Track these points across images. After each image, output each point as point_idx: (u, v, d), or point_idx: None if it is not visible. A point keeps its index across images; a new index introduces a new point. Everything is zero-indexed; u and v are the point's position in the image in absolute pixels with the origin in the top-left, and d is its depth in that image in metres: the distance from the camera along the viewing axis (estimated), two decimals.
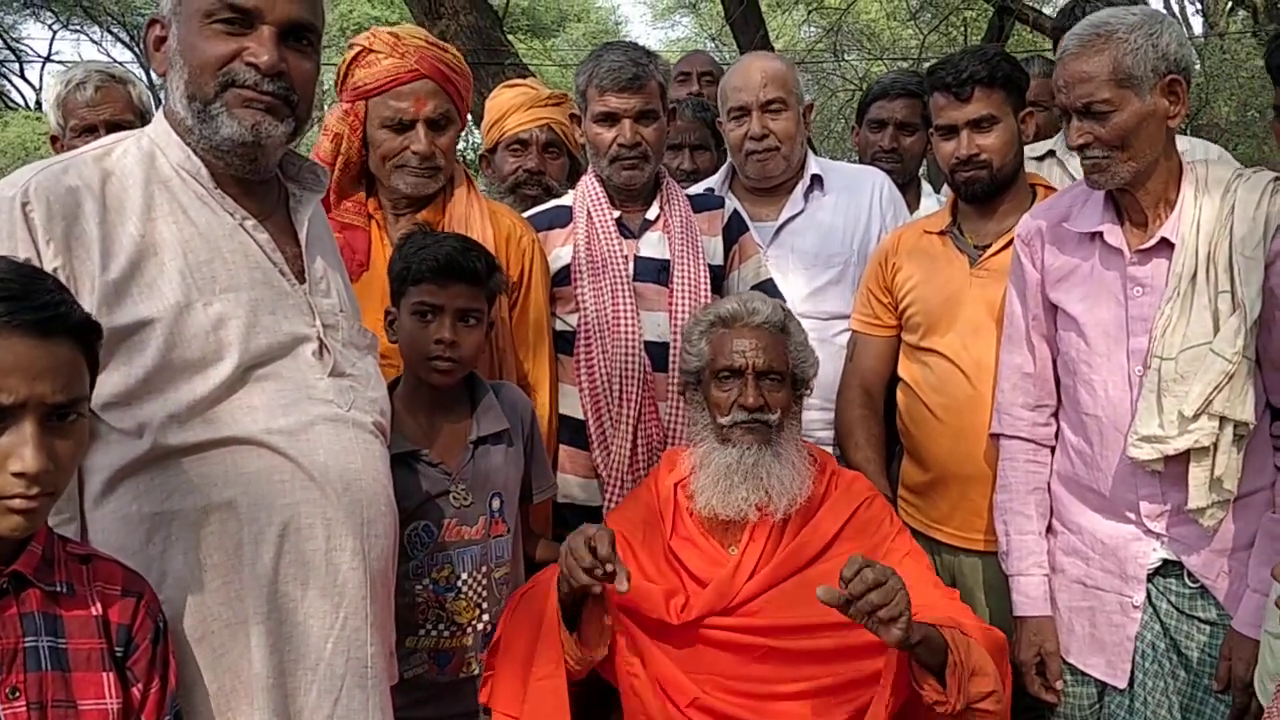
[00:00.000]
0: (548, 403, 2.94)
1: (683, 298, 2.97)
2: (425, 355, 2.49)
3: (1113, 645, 2.52)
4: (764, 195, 3.44)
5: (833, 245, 3.34)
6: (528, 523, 2.80)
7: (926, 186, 4.07)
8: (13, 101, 26.72)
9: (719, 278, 3.09)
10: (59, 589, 1.58)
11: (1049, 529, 2.67)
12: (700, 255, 3.03)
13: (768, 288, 3.11)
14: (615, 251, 2.98)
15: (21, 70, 27.27)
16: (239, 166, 1.92)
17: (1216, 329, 2.30)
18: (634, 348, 2.92)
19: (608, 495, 2.93)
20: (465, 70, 2.85)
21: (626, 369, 2.92)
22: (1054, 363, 2.65)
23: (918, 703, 2.25)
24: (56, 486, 1.51)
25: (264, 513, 1.83)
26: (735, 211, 3.20)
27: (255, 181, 1.97)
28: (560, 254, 3.02)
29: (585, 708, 2.43)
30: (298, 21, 1.90)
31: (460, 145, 3.05)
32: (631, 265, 3.00)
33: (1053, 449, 2.68)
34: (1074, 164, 3.26)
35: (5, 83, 27.27)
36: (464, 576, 2.52)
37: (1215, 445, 2.30)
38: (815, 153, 3.57)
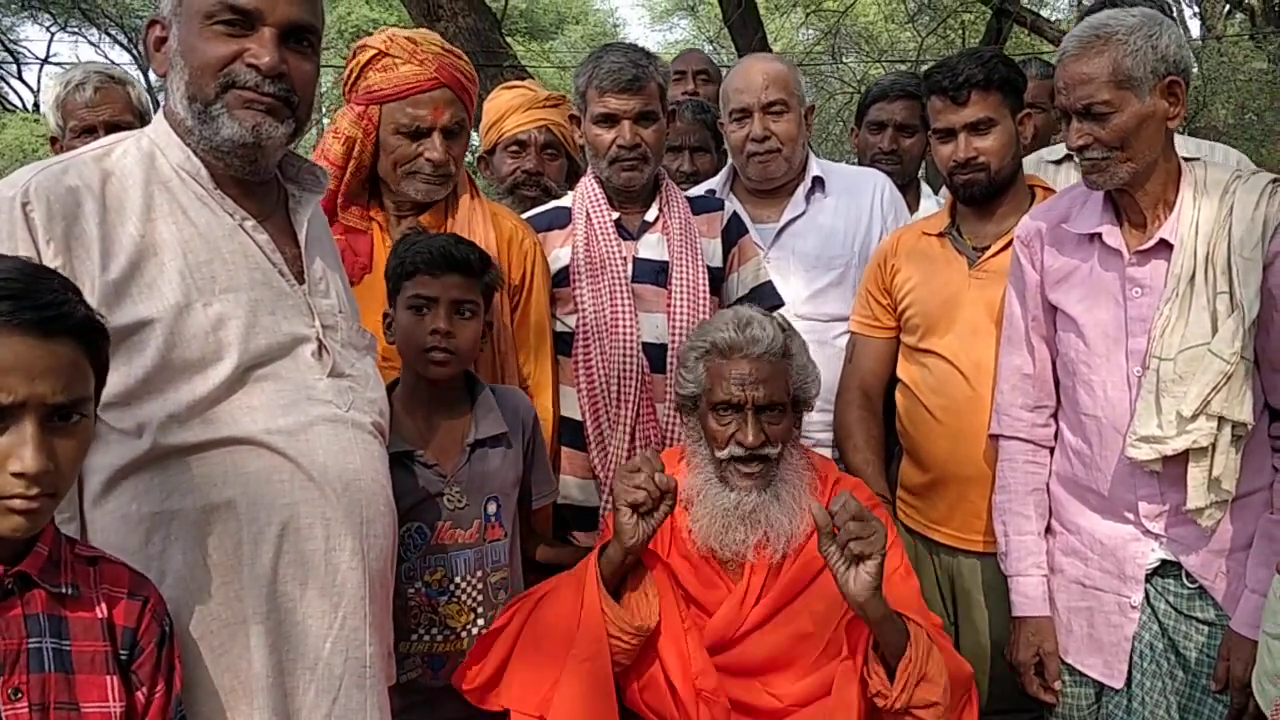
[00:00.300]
0: (549, 405, 2.94)
1: (681, 299, 2.97)
2: (422, 347, 2.49)
3: (1111, 645, 2.52)
4: (765, 197, 3.44)
5: (834, 247, 3.34)
6: (528, 525, 2.80)
7: (926, 188, 4.08)
8: (11, 104, 26.69)
9: (718, 280, 3.09)
10: (64, 590, 1.57)
11: (1048, 529, 2.67)
12: (699, 257, 3.03)
13: (766, 290, 3.11)
14: (614, 253, 2.98)
15: (19, 72, 27.26)
16: (239, 167, 1.93)
17: (1215, 330, 2.30)
18: (632, 349, 2.92)
19: (606, 496, 2.93)
20: (475, 78, 2.86)
21: (625, 370, 2.92)
22: (1053, 364, 2.66)
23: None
24: (58, 487, 1.51)
25: (263, 512, 1.83)
26: (734, 214, 3.20)
27: (255, 182, 1.97)
28: (559, 255, 3.02)
29: None
30: (298, 23, 1.90)
31: None
32: (630, 267, 3.00)
33: (1052, 450, 2.68)
34: None
35: (3, 85, 27.25)
36: (458, 580, 2.52)
37: (1214, 446, 2.30)
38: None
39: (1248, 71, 14.54)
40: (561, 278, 3.00)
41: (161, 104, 2.00)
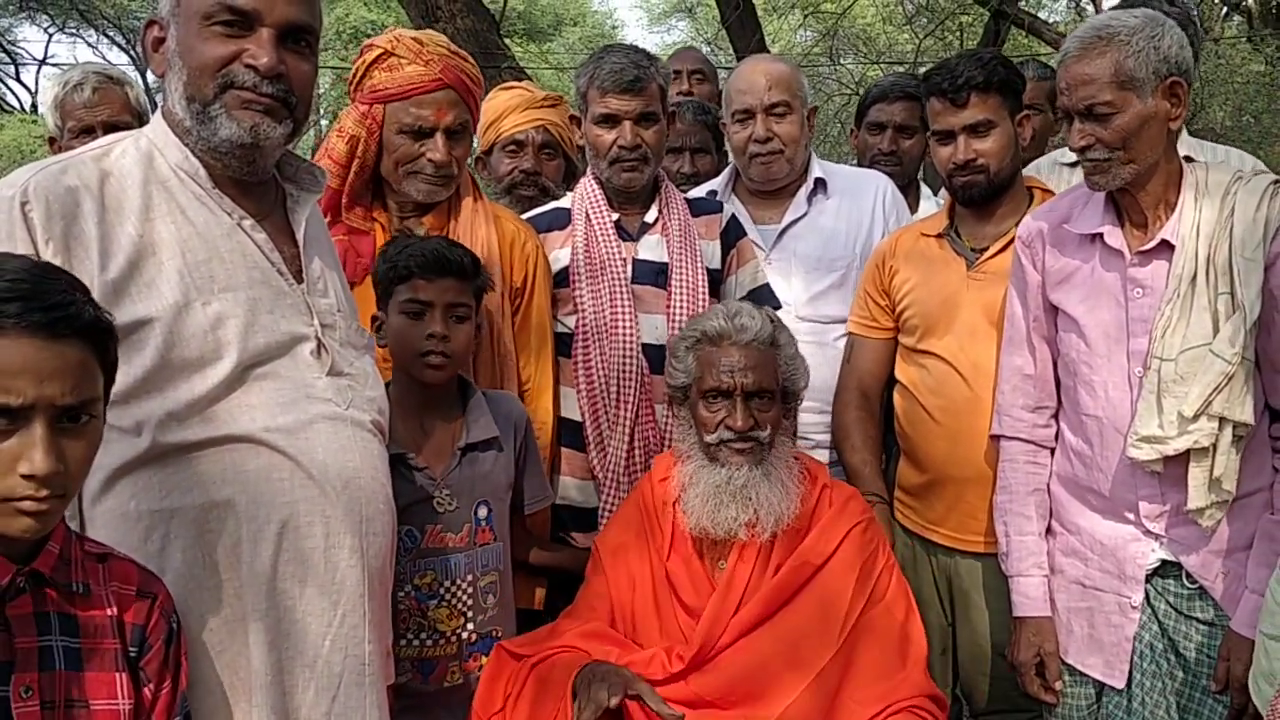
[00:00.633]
0: (550, 408, 2.94)
1: (681, 301, 2.96)
2: (417, 352, 2.49)
3: (1111, 645, 2.52)
4: (767, 198, 3.44)
5: (835, 249, 3.34)
6: (522, 529, 2.80)
7: (925, 189, 4.08)
8: (8, 105, 26.69)
9: (716, 282, 3.09)
10: (75, 588, 1.58)
11: (1048, 530, 2.67)
12: (698, 259, 3.03)
13: (764, 293, 3.11)
14: (614, 254, 2.98)
15: (17, 73, 27.28)
16: (237, 168, 1.93)
17: (1216, 330, 2.30)
18: (632, 350, 2.92)
19: (604, 497, 2.93)
20: (481, 80, 2.86)
21: (624, 371, 2.91)
22: (1054, 364, 2.66)
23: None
24: (67, 488, 1.51)
25: (263, 511, 1.83)
26: (733, 216, 3.20)
27: (253, 182, 1.97)
28: (559, 256, 3.02)
29: None
30: (296, 24, 1.90)
31: None
32: (630, 268, 2.99)
33: (1052, 450, 2.68)
34: None
35: (1, 86, 27.27)
36: (447, 584, 2.52)
37: (1214, 446, 2.30)
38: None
39: (1245, 73, 14.56)
40: (561, 279, 3.00)
41: (160, 104, 2.00)
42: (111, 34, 25.39)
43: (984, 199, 2.88)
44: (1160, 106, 2.36)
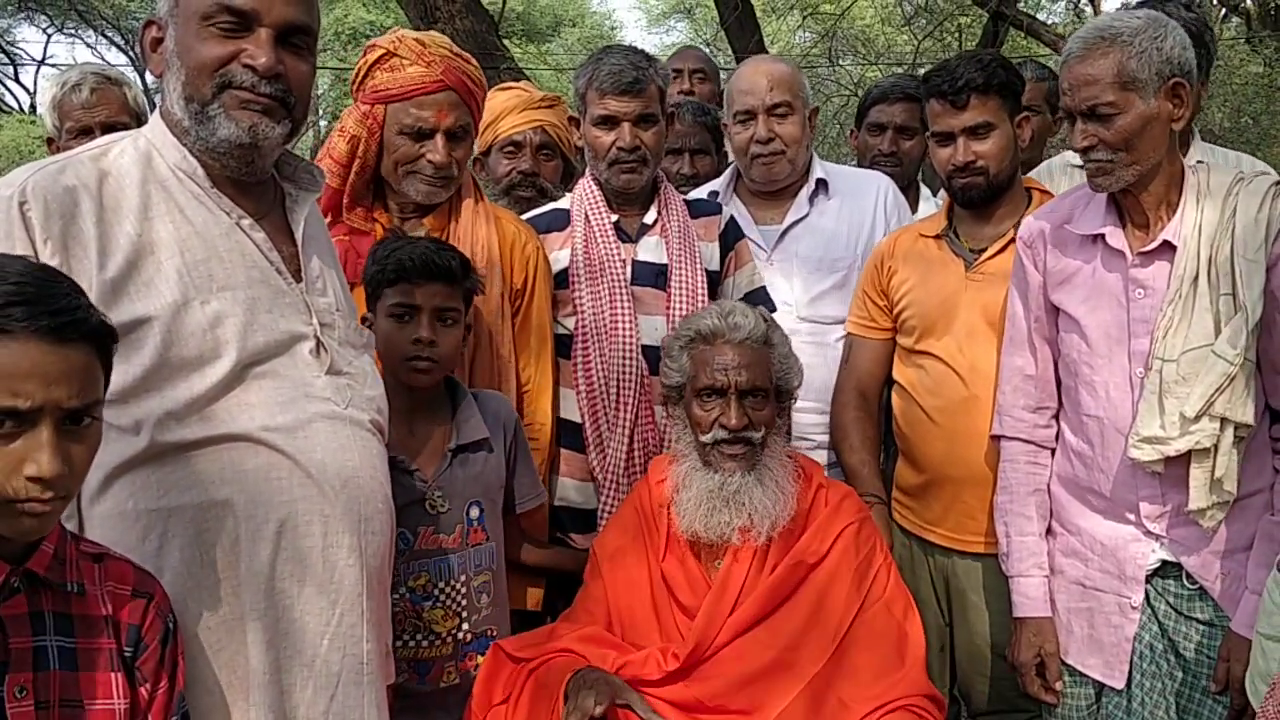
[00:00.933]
0: (549, 409, 2.94)
1: (680, 302, 2.96)
2: (404, 356, 2.49)
3: (1111, 646, 2.53)
4: (769, 199, 3.44)
5: (837, 249, 3.34)
6: (516, 529, 2.80)
7: (925, 190, 4.08)
8: (7, 105, 26.69)
9: (714, 283, 3.08)
10: (70, 588, 1.58)
11: (1048, 531, 2.68)
12: (698, 260, 3.03)
13: (760, 295, 3.11)
14: (613, 255, 2.98)
15: (16, 74, 27.28)
16: (235, 167, 1.93)
17: (1218, 331, 2.30)
18: (631, 352, 2.92)
19: (604, 499, 2.93)
20: (483, 82, 2.85)
21: (623, 373, 2.91)
22: (1055, 365, 2.66)
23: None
24: (69, 490, 1.51)
25: (261, 510, 1.83)
26: (731, 217, 3.20)
27: (251, 182, 1.97)
28: (558, 258, 3.01)
29: None
30: (294, 24, 1.90)
31: None
32: (629, 269, 2.99)
33: (1053, 451, 2.69)
34: None
35: (0, 86, 27.26)
36: (441, 585, 2.52)
37: (1216, 447, 2.30)
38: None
39: (1244, 75, 14.59)
40: (560, 280, 2.99)
41: (158, 104, 2.00)
42: (110, 34, 25.37)
43: (983, 200, 2.88)
44: (1163, 107, 2.36)
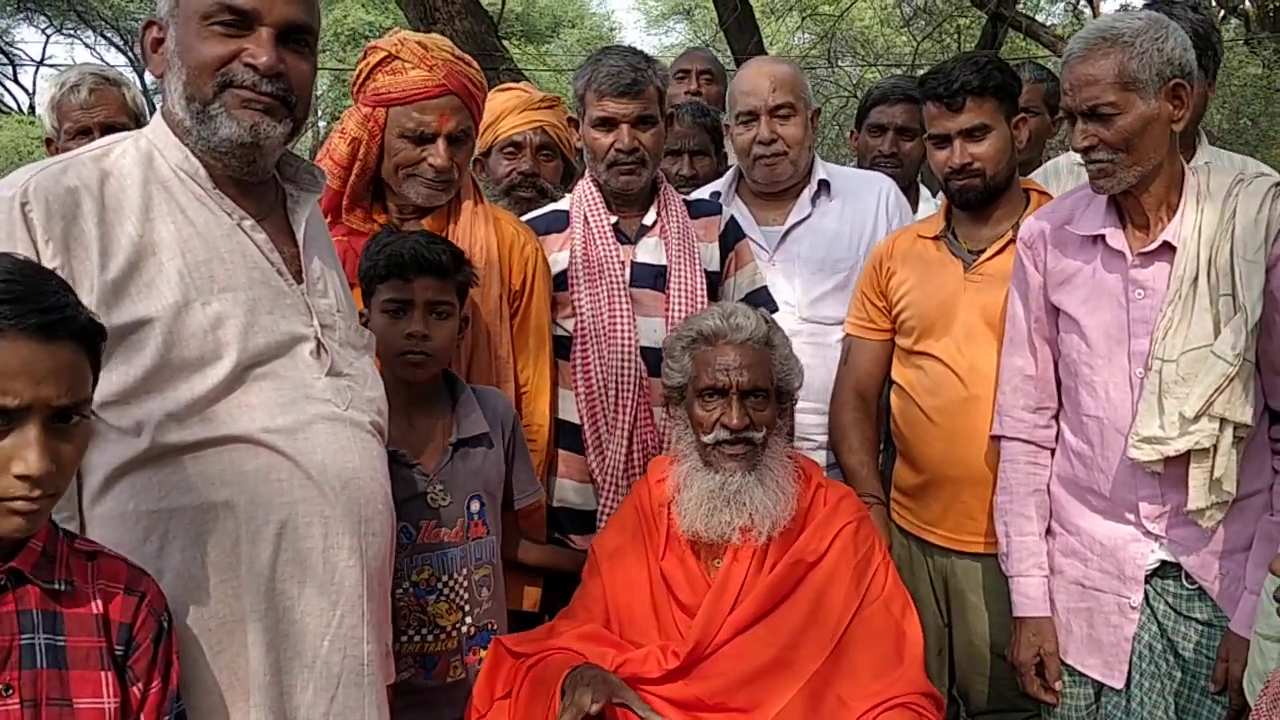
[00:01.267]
0: (547, 410, 2.94)
1: (679, 304, 2.96)
2: (398, 350, 2.49)
3: (1110, 646, 2.53)
4: (771, 200, 3.44)
5: (839, 250, 3.35)
6: (514, 527, 2.80)
7: (924, 191, 4.09)
8: (6, 106, 26.69)
9: (715, 284, 3.08)
10: (58, 586, 1.58)
11: (1048, 531, 2.68)
12: (697, 261, 3.02)
13: (761, 295, 3.11)
14: (612, 257, 2.98)
15: (15, 74, 27.28)
16: (237, 167, 1.93)
17: (1217, 332, 2.31)
18: (630, 353, 2.92)
19: (603, 500, 2.93)
20: (484, 84, 2.85)
21: (622, 374, 2.91)
22: (1055, 365, 2.66)
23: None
24: (58, 488, 1.51)
25: (262, 511, 1.83)
26: (731, 218, 3.20)
27: (253, 182, 1.97)
28: (557, 259, 3.01)
29: None
30: (295, 23, 1.90)
31: None
32: (628, 271, 2.99)
33: (1053, 451, 2.69)
34: None
35: None
36: (444, 579, 2.53)
37: (1215, 447, 2.31)
38: None
39: (1242, 77, 14.60)
40: (559, 281, 2.99)
41: (159, 105, 2.00)
42: (109, 35, 25.37)
43: (980, 202, 2.89)
44: (1163, 108, 2.36)
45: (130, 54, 24.55)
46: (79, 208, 1.78)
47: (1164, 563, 2.47)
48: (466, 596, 2.55)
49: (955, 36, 14.61)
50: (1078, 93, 2.39)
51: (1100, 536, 2.55)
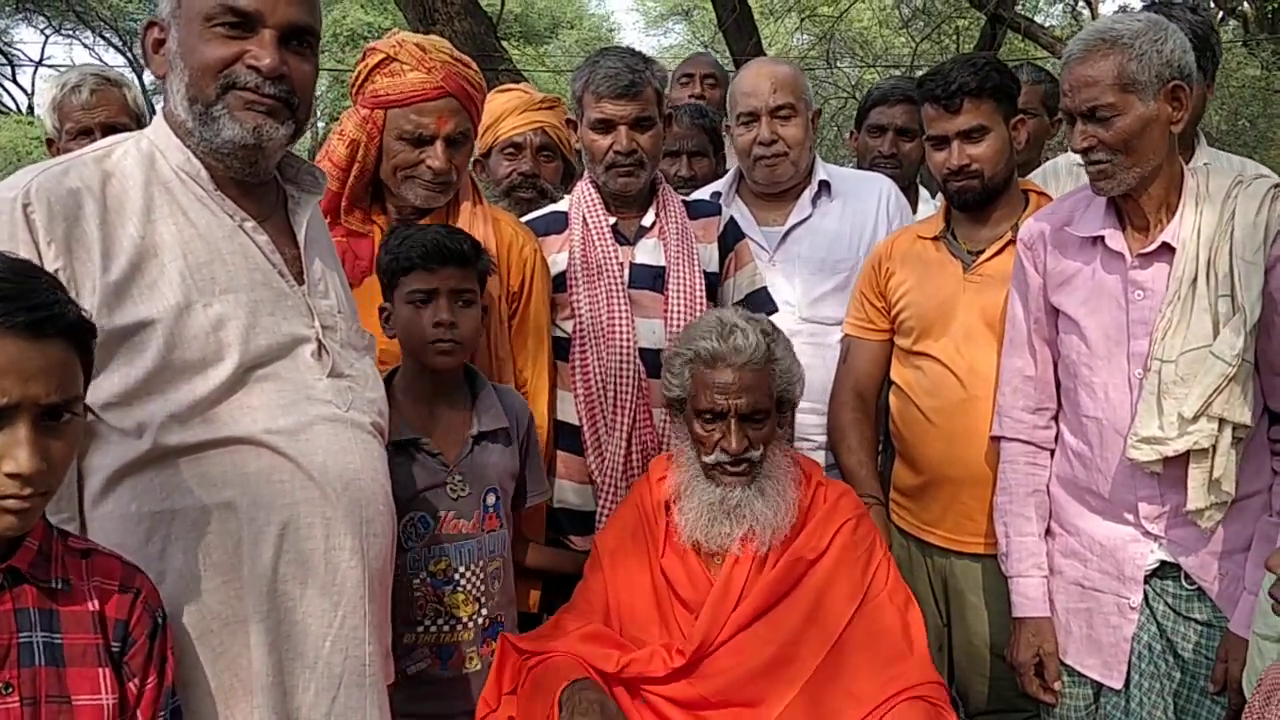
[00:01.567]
0: (545, 410, 2.94)
1: (678, 304, 2.96)
2: (426, 340, 2.51)
3: (1109, 646, 2.54)
4: (771, 201, 3.45)
5: (839, 251, 3.36)
6: (520, 528, 2.81)
7: (924, 192, 4.10)
8: (5, 106, 26.68)
9: (714, 285, 3.08)
10: (55, 584, 1.58)
11: (1047, 531, 2.69)
12: (696, 262, 3.02)
13: (761, 296, 3.11)
14: (610, 258, 2.98)
15: (14, 74, 27.28)
16: (239, 169, 1.93)
17: (1216, 332, 2.32)
18: (628, 354, 2.92)
19: (602, 501, 2.93)
20: (483, 86, 2.84)
21: (621, 375, 2.91)
22: (1055, 366, 2.67)
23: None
24: (50, 486, 1.51)
25: (263, 512, 1.83)
26: (731, 218, 3.20)
27: (254, 183, 1.97)
28: (556, 260, 3.01)
29: None
30: (298, 24, 1.90)
31: None
32: (627, 272, 2.99)
33: (1052, 452, 2.70)
34: None
35: None
36: (461, 569, 2.54)
37: (1214, 447, 2.32)
38: None
39: (1241, 78, 14.61)
40: (558, 283, 2.99)
41: (160, 106, 2.00)
42: (108, 35, 25.37)
43: (979, 203, 2.89)
44: (1162, 110, 2.37)
45: (129, 54, 24.56)
46: (81, 209, 1.78)
47: (1163, 563, 2.48)
48: (483, 588, 2.57)
49: (954, 38, 14.63)
50: (1077, 94, 2.40)
51: (1100, 537, 2.55)
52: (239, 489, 1.82)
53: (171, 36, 1.89)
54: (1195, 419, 2.31)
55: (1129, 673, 2.51)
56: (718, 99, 4.54)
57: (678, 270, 2.99)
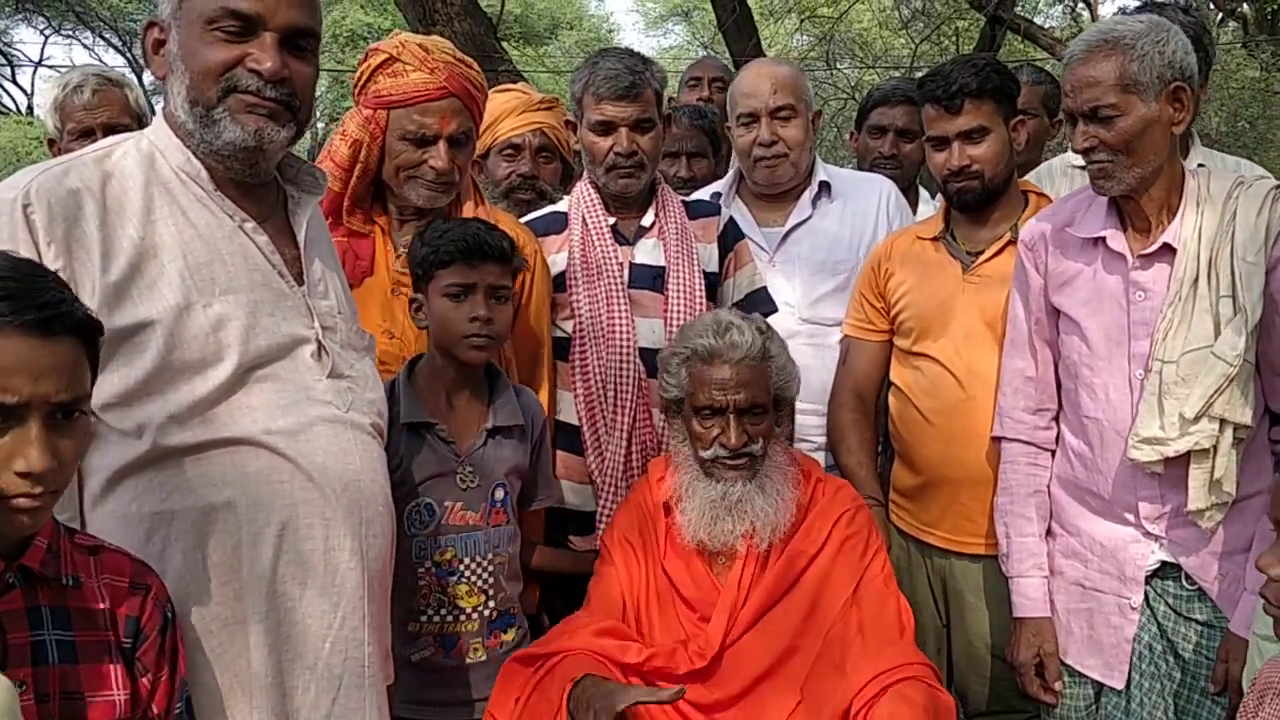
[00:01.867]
0: (545, 410, 2.94)
1: (678, 304, 2.96)
2: (462, 334, 2.53)
3: (1110, 647, 2.54)
4: (771, 202, 3.45)
5: (839, 252, 3.36)
6: (524, 530, 2.81)
7: (924, 193, 4.10)
8: (4, 106, 26.67)
9: (714, 285, 3.08)
10: (65, 582, 1.58)
11: (1048, 532, 2.69)
12: (695, 262, 3.02)
13: (761, 296, 3.12)
14: (610, 258, 2.98)
15: (13, 75, 27.26)
16: (239, 170, 1.93)
17: (1217, 333, 2.32)
18: (628, 354, 2.92)
19: (602, 501, 2.93)
20: (484, 86, 2.85)
21: (621, 375, 2.92)
22: (1055, 367, 2.67)
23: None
24: (60, 484, 1.51)
25: (263, 513, 1.84)
26: (731, 218, 3.20)
27: (254, 184, 1.97)
28: (556, 260, 3.01)
29: None
30: (299, 27, 1.90)
31: None
32: (626, 272, 2.99)
33: (1053, 453, 2.70)
34: None
35: None
36: (467, 561, 2.55)
37: (1215, 448, 2.32)
38: None
39: (1240, 79, 14.62)
40: (558, 283, 2.99)
41: (160, 107, 2.00)
42: (108, 36, 25.35)
43: (979, 204, 2.89)
44: (1164, 111, 2.38)
45: (129, 55, 24.55)
46: (81, 210, 1.78)
47: (1164, 563, 2.48)
48: (491, 580, 2.57)
49: (953, 39, 14.62)
50: (1079, 94, 2.40)
51: (1100, 537, 2.56)
52: (238, 489, 1.82)
53: (172, 38, 1.89)
54: (1196, 419, 2.31)
55: (1130, 673, 2.51)
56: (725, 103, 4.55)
57: (677, 270, 2.99)
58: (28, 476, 1.44)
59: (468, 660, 2.56)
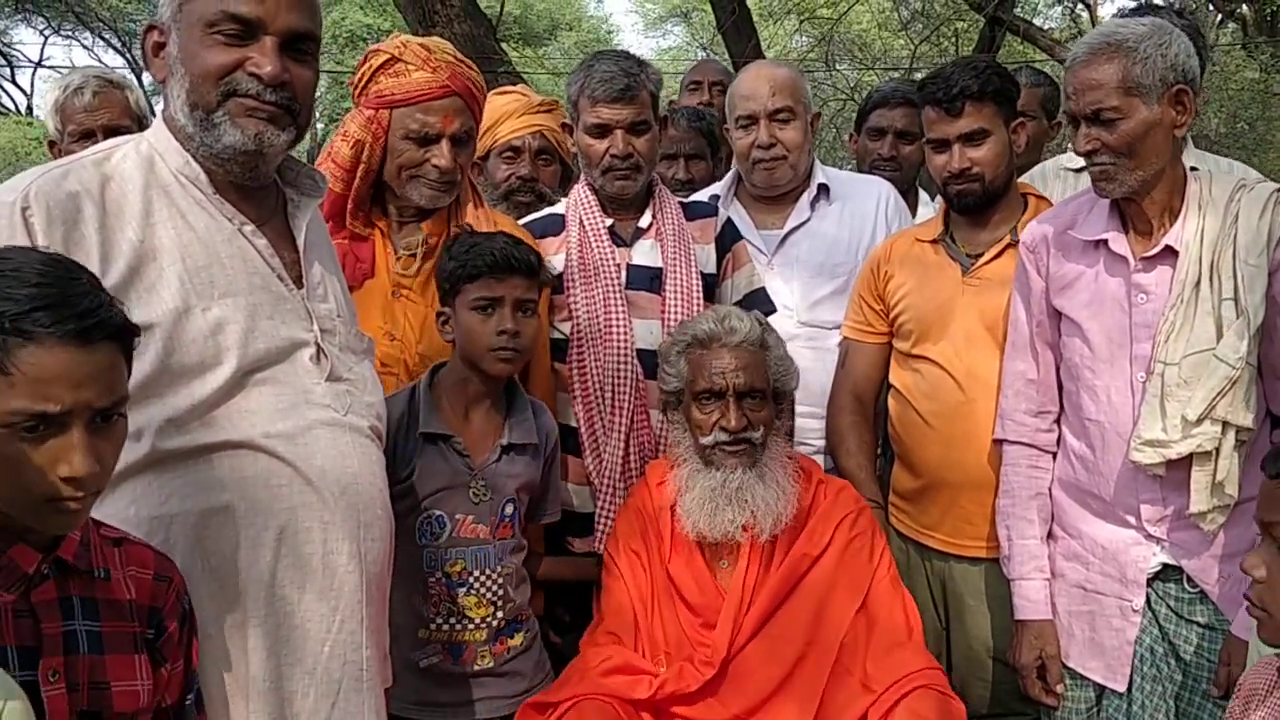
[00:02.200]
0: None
1: (675, 306, 2.96)
2: (489, 347, 2.55)
3: (1112, 649, 2.54)
4: (770, 204, 3.45)
5: (838, 254, 3.36)
6: (530, 541, 2.81)
7: (923, 195, 4.09)
8: (4, 107, 26.68)
9: (712, 286, 3.08)
10: (97, 574, 1.60)
11: (1049, 534, 2.69)
12: (693, 263, 3.02)
13: (759, 296, 3.11)
14: (608, 259, 2.98)
15: (13, 75, 27.27)
16: (239, 173, 1.93)
17: (1219, 335, 2.32)
18: (626, 356, 2.92)
19: (600, 502, 2.93)
20: (484, 87, 2.86)
21: (619, 377, 2.91)
22: (1057, 369, 2.67)
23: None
24: (100, 485, 1.53)
25: (262, 516, 1.84)
26: (728, 219, 3.20)
27: (254, 187, 1.97)
28: (554, 262, 3.01)
29: None
30: (299, 31, 1.90)
31: None
32: (624, 273, 2.99)
33: (1054, 455, 2.70)
34: None
35: None
36: (476, 573, 2.56)
37: (1217, 450, 2.32)
38: None
39: (1240, 81, 14.63)
40: (556, 285, 3.00)
41: (160, 109, 2.00)
42: (107, 36, 25.37)
43: (979, 206, 2.89)
44: (1166, 114, 2.38)
45: (128, 56, 24.57)
46: (80, 212, 1.78)
47: (1165, 566, 2.48)
48: (500, 593, 2.58)
49: (953, 40, 14.63)
50: (1081, 97, 2.40)
51: (1102, 540, 2.55)
52: (237, 493, 1.82)
53: (172, 41, 1.89)
54: (1199, 422, 2.31)
55: (1131, 675, 2.51)
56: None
57: (675, 271, 2.99)
58: (72, 481, 1.46)
59: (475, 667, 2.57)
